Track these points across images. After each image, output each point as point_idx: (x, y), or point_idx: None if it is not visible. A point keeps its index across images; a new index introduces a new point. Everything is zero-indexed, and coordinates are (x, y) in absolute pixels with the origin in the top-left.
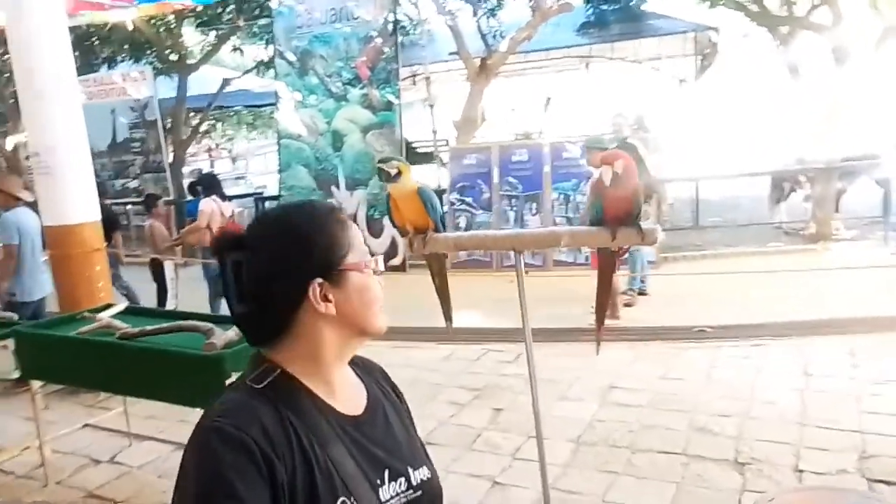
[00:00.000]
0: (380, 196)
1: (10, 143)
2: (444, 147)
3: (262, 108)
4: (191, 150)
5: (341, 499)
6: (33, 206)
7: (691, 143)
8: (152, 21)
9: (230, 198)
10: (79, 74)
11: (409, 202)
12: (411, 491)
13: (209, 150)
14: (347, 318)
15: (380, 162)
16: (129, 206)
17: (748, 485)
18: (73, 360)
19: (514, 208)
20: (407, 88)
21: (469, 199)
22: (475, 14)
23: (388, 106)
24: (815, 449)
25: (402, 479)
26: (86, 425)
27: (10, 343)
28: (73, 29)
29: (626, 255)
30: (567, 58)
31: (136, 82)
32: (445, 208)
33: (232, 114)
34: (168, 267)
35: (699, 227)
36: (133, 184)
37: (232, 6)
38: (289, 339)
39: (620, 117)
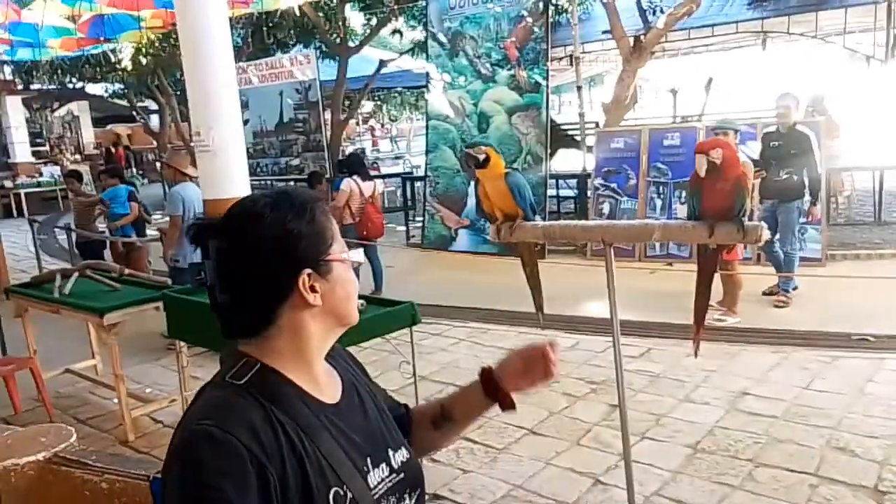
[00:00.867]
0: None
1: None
2: (591, 130)
3: (422, 89)
4: (356, 129)
5: (334, 489)
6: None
7: (877, 129)
8: (317, 5)
9: (377, 177)
10: (251, 59)
11: (497, 189)
12: (394, 475)
13: (371, 129)
14: (331, 309)
15: (467, 147)
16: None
17: None
18: (209, 324)
19: (662, 196)
20: (563, 69)
21: (614, 185)
22: None
23: (536, 87)
24: None
25: (385, 465)
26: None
27: (161, 305)
28: (247, 16)
29: (772, 249)
30: (737, 34)
31: (301, 65)
32: (589, 193)
33: (395, 95)
34: None
35: (881, 223)
36: (295, 162)
37: None
38: (272, 331)
39: (788, 97)
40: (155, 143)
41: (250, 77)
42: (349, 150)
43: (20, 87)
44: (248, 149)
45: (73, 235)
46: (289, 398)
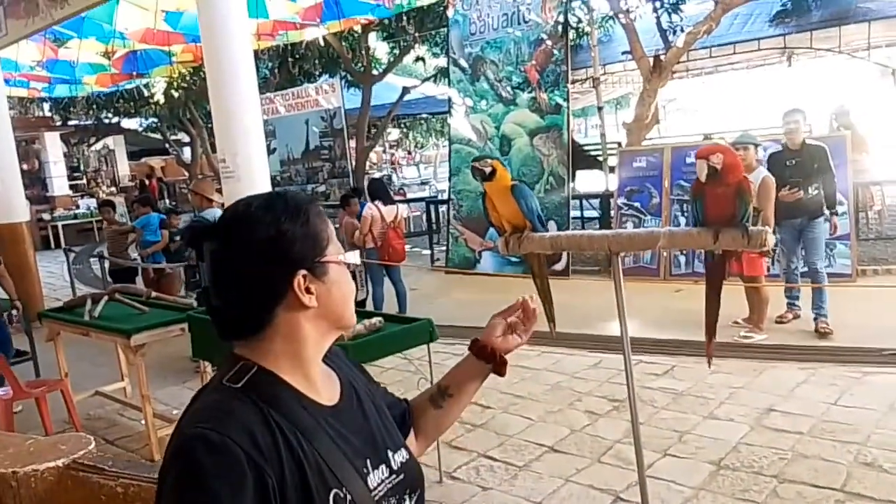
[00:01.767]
0: (546, 200)
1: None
2: (613, 150)
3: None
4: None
5: (334, 491)
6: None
7: None
8: (340, 36)
9: (401, 202)
10: (279, 89)
11: (504, 201)
12: (394, 476)
13: (392, 157)
14: (327, 311)
15: (474, 160)
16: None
17: None
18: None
19: (686, 214)
20: (587, 91)
21: (637, 205)
22: (656, 10)
23: (557, 109)
24: None
25: (384, 466)
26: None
27: (186, 326)
28: (274, 49)
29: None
30: (758, 51)
31: (326, 94)
32: (612, 213)
33: (421, 121)
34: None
35: None
36: (321, 188)
37: (413, 18)
38: (267, 333)
39: (796, 113)
40: (187, 174)
41: (277, 107)
42: (375, 176)
43: (58, 122)
44: (275, 176)
45: (107, 263)
46: (286, 401)
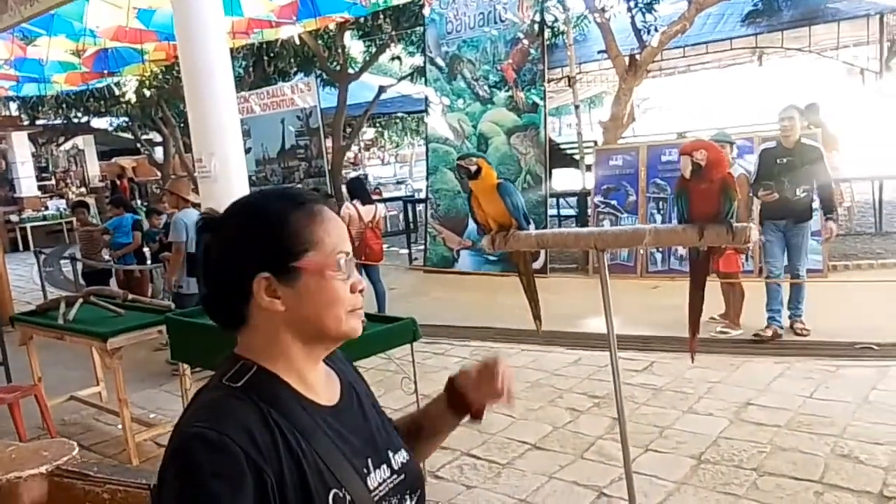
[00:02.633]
0: (523, 198)
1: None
2: (589, 148)
3: (421, 114)
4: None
5: (333, 491)
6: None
7: (874, 140)
8: (316, 34)
9: (380, 201)
10: (254, 88)
11: (489, 199)
12: (395, 476)
13: (355, 157)
14: (299, 319)
15: (459, 158)
16: None
17: None
18: (210, 346)
19: (662, 211)
20: (563, 90)
21: (614, 202)
22: (630, 10)
23: (534, 108)
24: None
25: (385, 466)
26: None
27: (164, 329)
28: (248, 46)
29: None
30: (731, 50)
31: (302, 93)
32: (589, 211)
33: (397, 120)
34: None
35: (882, 234)
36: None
37: (388, 16)
38: (250, 329)
39: (791, 110)
40: (159, 174)
41: (252, 106)
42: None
43: (26, 122)
44: (250, 176)
45: (80, 265)
46: (286, 401)
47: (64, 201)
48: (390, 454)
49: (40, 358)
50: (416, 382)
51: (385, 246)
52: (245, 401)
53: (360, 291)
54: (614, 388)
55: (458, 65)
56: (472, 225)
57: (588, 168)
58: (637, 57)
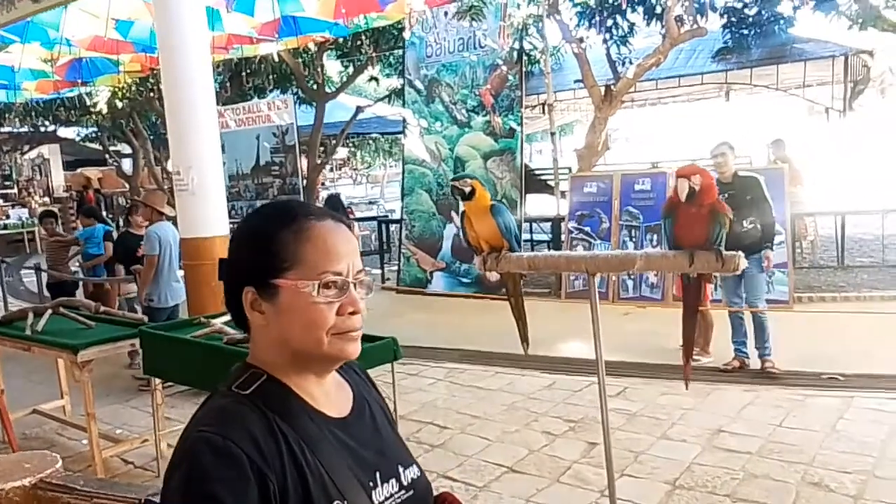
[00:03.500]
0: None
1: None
2: (565, 175)
3: (397, 136)
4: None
5: (335, 503)
6: (175, 220)
7: (839, 176)
8: (295, 53)
9: (356, 220)
10: (230, 103)
11: (483, 221)
12: (403, 491)
13: (324, 178)
14: (281, 336)
15: (453, 180)
16: None
17: None
18: (185, 360)
19: (634, 239)
20: (537, 117)
21: (587, 229)
22: (605, 41)
23: (511, 133)
24: None
25: (394, 480)
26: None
27: (137, 342)
28: (226, 62)
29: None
30: (702, 85)
31: (279, 110)
32: (563, 237)
33: (370, 141)
34: None
35: (844, 267)
36: None
37: (368, 38)
38: (252, 338)
39: (723, 146)
40: (126, 185)
41: (227, 121)
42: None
43: None
44: None
45: (45, 276)
46: (294, 410)
47: (26, 211)
48: (400, 469)
49: (3, 369)
50: (395, 402)
51: None
52: (252, 408)
53: (352, 314)
54: (601, 412)
55: (436, 88)
56: (445, 247)
57: (562, 194)
58: (612, 88)
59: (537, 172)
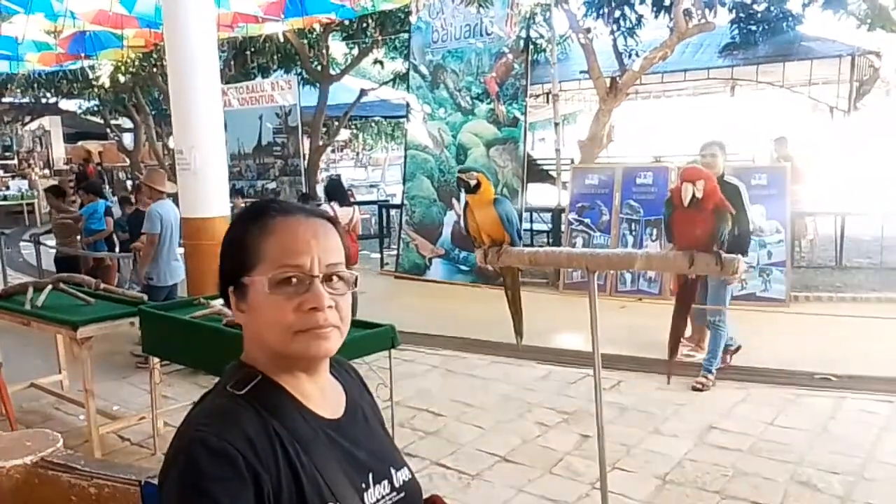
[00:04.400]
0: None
1: (172, 142)
2: (567, 166)
3: (400, 119)
4: (332, 156)
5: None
6: (175, 198)
7: (840, 176)
8: (301, 33)
9: (356, 204)
10: (233, 82)
11: (486, 214)
12: (395, 493)
13: (325, 159)
14: (258, 335)
15: (459, 171)
16: None
17: None
18: (184, 340)
19: (634, 232)
20: (540, 106)
21: (587, 221)
22: (612, 33)
23: (514, 122)
24: None
25: (386, 482)
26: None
27: (136, 321)
28: (231, 40)
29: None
30: (707, 80)
31: (282, 90)
32: (563, 228)
33: (373, 124)
34: None
35: (842, 268)
36: (271, 185)
37: (374, 21)
38: (244, 335)
39: (714, 146)
40: (128, 160)
41: (230, 99)
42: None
43: None
44: None
45: (46, 251)
46: (288, 411)
47: (26, 182)
48: (393, 471)
49: (1, 343)
50: (391, 389)
51: (359, 249)
52: (248, 409)
53: (314, 309)
54: (596, 408)
55: (441, 74)
56: (445, 233)
57: (564, 185)
58: (618, 80)
59: (539, 162)
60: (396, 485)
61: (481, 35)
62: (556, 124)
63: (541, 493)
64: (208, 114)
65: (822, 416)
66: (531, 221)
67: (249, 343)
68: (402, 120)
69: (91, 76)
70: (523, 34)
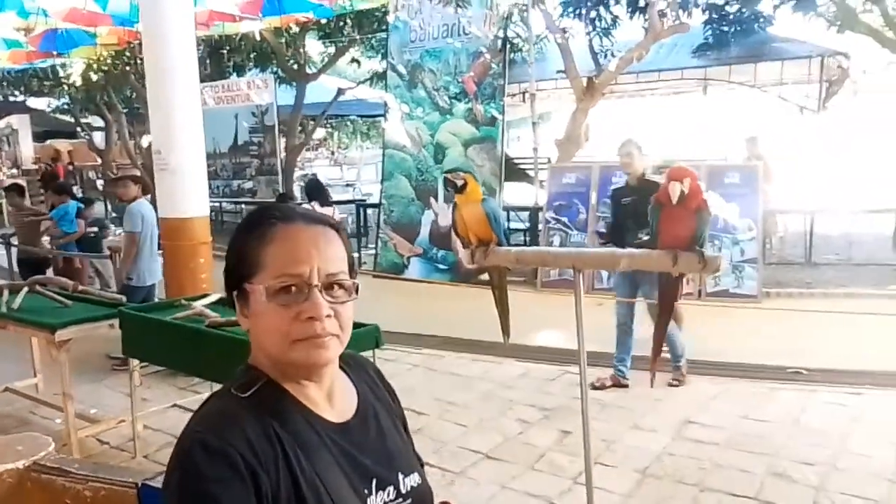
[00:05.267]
0: None
1: (146, 140)
2: (544, 165)
3: (376, 119)
4: (307, 155)
5: None
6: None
7: (810, 174)
8: (277, 32)
9: (335, 203)
10: (209, 80)
11: (473, 214)
12: (401, 499)
13: (301, 159)
14: (259, 341)
15: (446, 172)
16: (243, 206)
17: None
18: (166, 342)
19: None
20: (516, 105)
21: (565, 219)
22: (588, 33)
23: (492, 121)
24: None
25: (391, 488)
26: (175, 405)
27: (116, 323)
28: (207, 38)
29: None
30: (681, 80)
31: (259, 89)
32: (540, 226)
33: (348, 123)
34: None
35: (811, 264)
36: (247, 185)
37: (351, 20)
38: (251, 339)
39: (630, 145)
40: (99, 160)
41: (205, 98)
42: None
43: None
44: None
45: (15, 251)
46: (291, 415)
47: None
48: (400, 477)
49: None
50: None
51: None
52: (250, 412)
53: (312, 319)
54: (582, 408)
55: (419, 73)
56: (423, 233)
57: (541, 184)
58: (595, 79)
59: (517, 161)
60: (403, 490)
61: (459, 35)
62: (535, 124)
63: (524, 490)
64: (187, 112)
65: (794, 408)
66: (509, 220)
67: (255, 347)
68: (378, 119)
69: (62, 74)
70: (501, 34)
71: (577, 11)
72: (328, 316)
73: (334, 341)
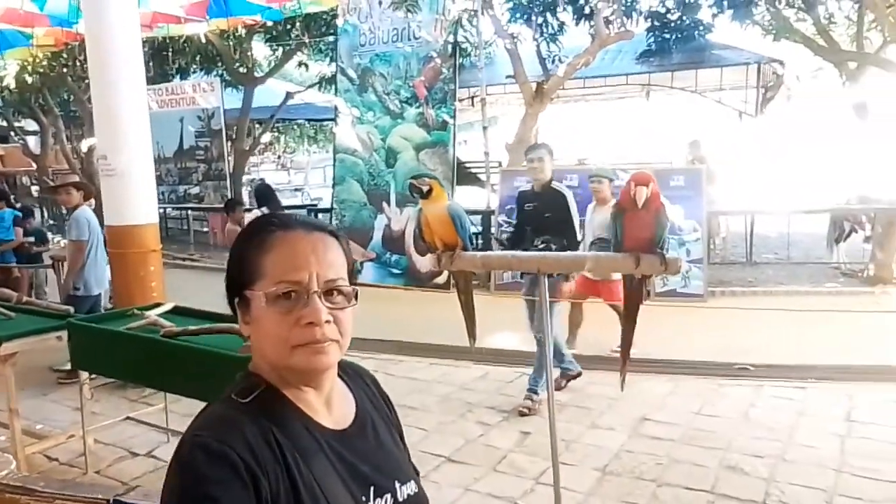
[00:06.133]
0: None
1: (84, 145)
2: (495, 169)
3: (324, 123)
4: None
5: None
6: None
7: (749, 177)
8: (223, 35)
9: (285, 209)
10: (152, 83)
11: (439, 219)
12: None
13: (248, 162)
14: (259, 348)
15: (412, 178)
16: (189, 212)
17: None
18: (119, 354)
19: None
20: (465, 109)
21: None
22: (535, 39)
23: (443, 126)
24: (849, 497)
25: (388, 496)
26: (127, 418)
27: (64, 335)
28: (150, 40)
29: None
30: (626, 85)
31: (205, 93)
32: (493, 229)
33: (295, 127)
34: None
35: (752, 263)
36: (194, 190)
37: (300, 23)
38: (251, 346)
39: (541, 149)
40: (34, 165)
41: (149, 102)
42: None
43: None
44: None
45: None
46: (291, 421)
47: None
48: (397, 485)
49: None
50: None
51: None
52: (250, 417)
53: (311, 324)
54: (548, 408)
55: (369, 77)
56: (376, 237)
57: (493, 188)
58: (543, 85)
59: (468, 165)
60: (400, 499)
61: (409, 39)
62: (485, 128)
63: (487, 491)
64: (133, 115)
65: (743, 403)
66: None
67: (255, 354)
68: (326, 123)
69: None
70: (451, 39)
71: (525, 17)
72: (328, 321)
73: (334, 347)
